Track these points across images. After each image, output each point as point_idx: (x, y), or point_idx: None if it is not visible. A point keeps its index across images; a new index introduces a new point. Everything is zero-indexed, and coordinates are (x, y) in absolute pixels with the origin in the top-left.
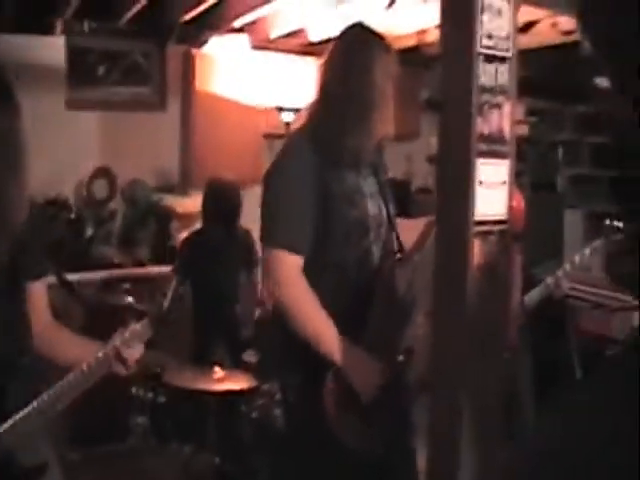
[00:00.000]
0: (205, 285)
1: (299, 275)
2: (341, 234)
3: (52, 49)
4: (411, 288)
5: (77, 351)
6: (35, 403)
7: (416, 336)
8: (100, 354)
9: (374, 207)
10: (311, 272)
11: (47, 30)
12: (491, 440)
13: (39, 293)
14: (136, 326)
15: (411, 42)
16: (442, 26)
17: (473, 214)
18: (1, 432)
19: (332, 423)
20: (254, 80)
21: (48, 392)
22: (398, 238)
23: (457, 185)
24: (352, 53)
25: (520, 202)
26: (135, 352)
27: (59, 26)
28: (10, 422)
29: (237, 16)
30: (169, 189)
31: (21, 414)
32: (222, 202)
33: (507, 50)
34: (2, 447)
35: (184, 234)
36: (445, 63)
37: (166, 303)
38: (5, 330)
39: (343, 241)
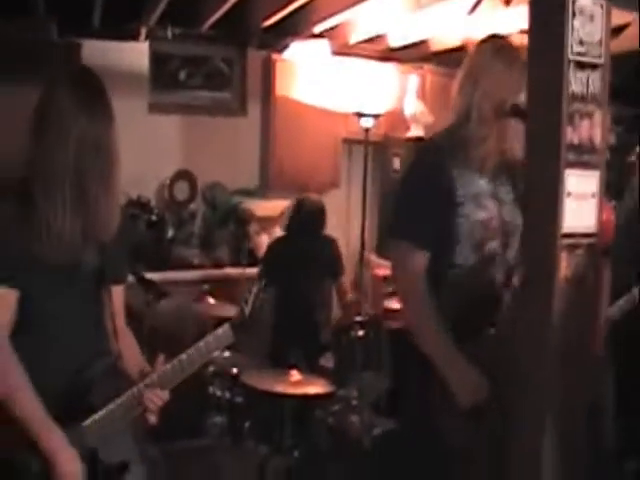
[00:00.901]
0: (288, 291)
1: (420, 272)
2: (465, 235)
3: (136, 54)
4: None
5: (134, 364)
6: (118, 401)
7: None
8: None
9: (507, 214)
10: (435, 272)
11: (132, 36)
12: (574, 449)
13: (119, 297)
14: (218, 331)
15: None
16: (531, 31)
17: (561, 226)
18: (85, 427)
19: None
20: (334, 85)
21: (131, 391)
22: None
23: (545, 196)
24: (483, 64)
25: (610, 215)
26: (157, 399)
27: (143, 32)
28: (95, 417)
29: (317, 22)
30: (248, 192)
31: (105, 410)
32: (309, 223)
33: (599, 57)
34: (86, 442)
35: (263, 237)
36: (533, 70)
37: (248, 309)
38: (96, 329)
39: (466, 242)
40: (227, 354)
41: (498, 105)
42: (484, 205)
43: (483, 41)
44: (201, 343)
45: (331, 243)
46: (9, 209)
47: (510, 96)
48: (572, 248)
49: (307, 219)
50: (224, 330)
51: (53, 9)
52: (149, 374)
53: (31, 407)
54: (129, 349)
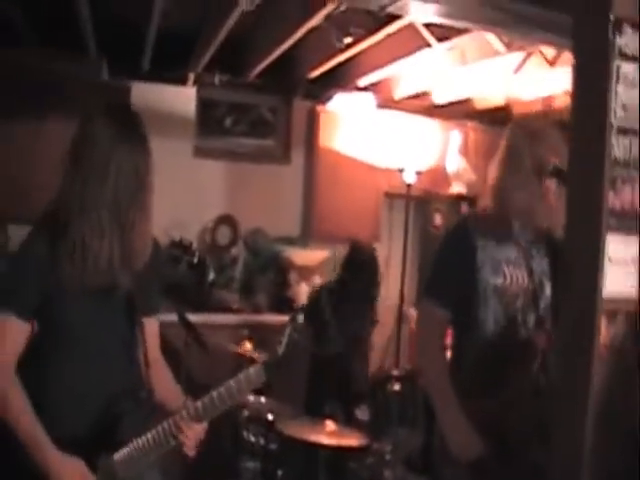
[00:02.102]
0: (327, 337)
1: (437, 328)
2: (483, 298)
3: (184, 99)
4: None
5: (169, 396)
6: (149, 435)
7: None
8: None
9: (530, 281)
10: (456, 333)
11: (180, 81)
12: None
13: (152, 328)
14: (250, 370)
15: (537, 108)
16: (574, 95)
17: (602, 291)
18: (116, 459)
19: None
20: (377, 139)
21: (161, 425)
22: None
23: (585, 261)
24: (515, 145)
25: None
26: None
27: (191, 78)
28: (125, 451)
29: (363, 75)
30: (289, 241)
31: (136, 443)
32: (363, 267)
33: None
34: (117, 475)
35: (302, 286)
36: (576, 133)
37: (281, 349)
38: (127, 358)
39: (485, 305)
40: (263, 400)
41: (526, 174)
42: (502, 271)
43: (512, 122)
44: (232, 382)
45: (376, 297)
46: (41, 239)
47: (535, 164)
48: (612, 314)
49: (363, 264)
50: (255, 370)
51: (104, 49)
52: (179, 410)
53: (31, 431)
54: (164, 380)
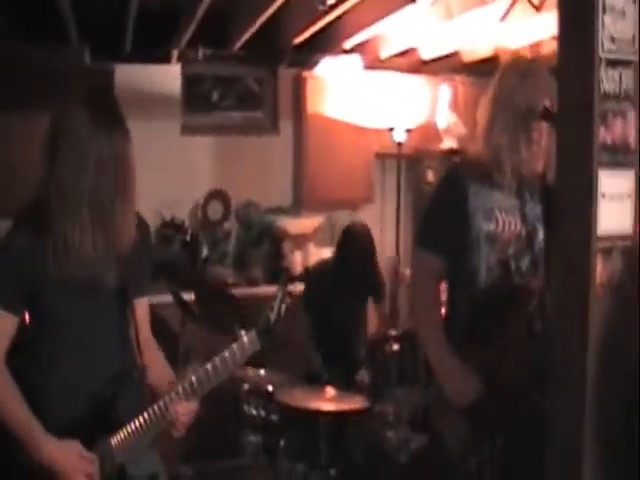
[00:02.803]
0: (325, 309)
1: (431, 276)
2: (477, 245)
3: (168, 77)
4: None
5: (160, 376)
6: (144, 416)
7: None
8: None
9: (523, 226)
10: (449, 280)
11: (163, 59)
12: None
13: (142, 309)
14: (243, 339)
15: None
16: (560, 30)
17: (596, 229)
18: (113, 442)
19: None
20: (365, 100)
21: (155, 405)
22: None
23: (578, 198)
24: (507, 87)
25: None
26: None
27: (175, 55)
28: (121, 434)
29: (348, 37)
30: (281, 210)
31: (131, 425)
32: (358, 251)
33: (632, 54)
34: (114, 458)
35: (297, 254)
36: (564, 70)
37: (273, 316)
38: (120, 343)
39: (478, 251)
40: (262, 372)
41: (516, 116)
42: (494, 218)
43: (503, 64)
44: (226, 353)
45: (376, 269)
46: (23, 232)
47: (526, 105)
48: (608, 252)
49: (356, 249)
50: (249, 338)
51: (85, 35)
52: (174, 386)
53: (21, 419)
54: (155, 361)
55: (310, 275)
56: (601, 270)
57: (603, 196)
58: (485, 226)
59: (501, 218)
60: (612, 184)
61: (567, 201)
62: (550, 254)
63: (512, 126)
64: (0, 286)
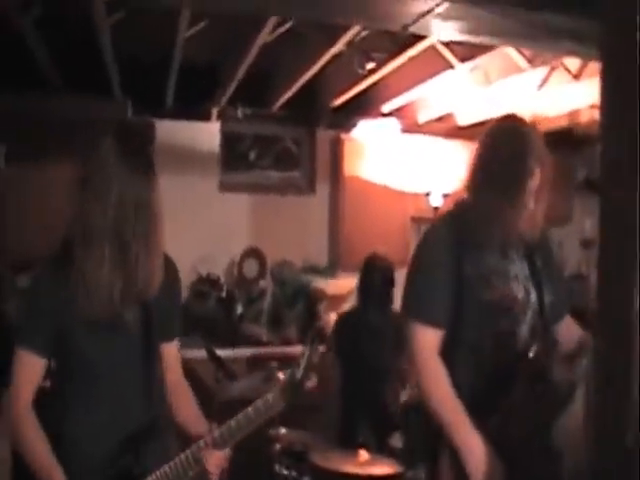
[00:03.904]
0: (357, 365)
1: (434, 349)
2: (474, 315)
3: (208, 134)
4: (570, 379)
5: (190, 419)
6: (171, 464)
7: (570, 429)
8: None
9: (519, 291)
10: (448, 351)
11: (203, 116)
12: None
13: (172, 352)
14: (267, 396)
15: (562, 123)
16: (602, 100)
17: (638, 300)
18: None
19: None
20: (402, 164)
21: (183, 454)
22: (551, 324)
23: (621, 263)
24: (499, 145)
25: None
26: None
27: (214, 113)
28: (150, 478)
29: (386, 100)
30: (317, 271)
31: (157, 475)
32: (379, 276)
33: None
34: None
35: (332, 316)
36: (606, 140)
37: (299, 372)
38: (146, 387)
39: (477, 322)
40: (296, 432)
41: (521, 181)
42: (493, 285)
43: (498, 122)
44: (250, 409)
45: (399, 316)
46: (49, 272)
47: (523, 173)
48: None
49: (377, 280)
50: (274, 395)
51: (128, 89)
52: (201, 438)
53: (45, 462)
54: (185, 404)
55: (336, 323)
56: None
57: None
58: (483, 294)
59: (498, 283)
60: None
61: (611, 266)
62: (549, 317)
63: (504, 186)
64: (28, 328)
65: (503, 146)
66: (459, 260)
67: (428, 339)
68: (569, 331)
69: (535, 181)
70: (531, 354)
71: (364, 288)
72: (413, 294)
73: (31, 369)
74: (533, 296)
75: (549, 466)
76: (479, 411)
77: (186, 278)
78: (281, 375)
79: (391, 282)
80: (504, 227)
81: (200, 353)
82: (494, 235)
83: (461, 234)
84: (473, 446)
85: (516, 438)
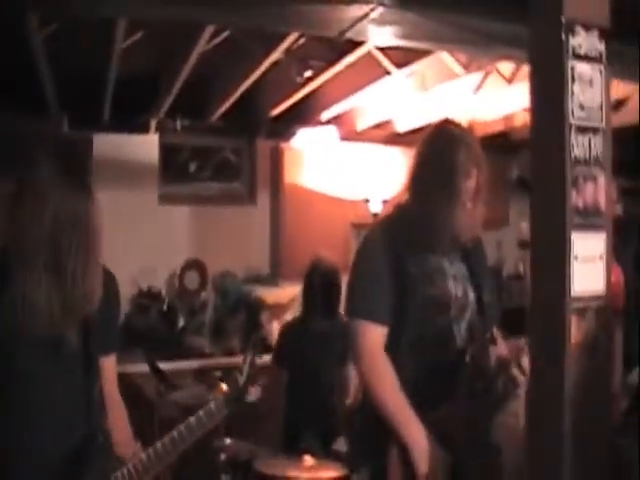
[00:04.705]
0: (302, 373)
1: (380, 349)
2: (417, 311)
3: (146, 147)
4: (503, 377)
5: (121, 437)
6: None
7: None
8: None
9: (458, 289)
10: (391, 348)
11: (142, 129)
12: None
13: (109, 366)
14: (210, 405)
15: (498, 127)
16: (532, 98)
17: (570, 290)
18: None
19: None
20: (342, 171)
21: (120, 472)
22: (488, 324)
23: (552, 260)
24: (436, 148)
25: (619, 276)
26: None
27: (153, 125)
28: None
29: (325, 108)
30: (259, 280)
31: None
32: (322, 279)
33: (600, 120)
34: None
35: (274, 324)
36: (537, 137)
37: (242, 379)
38: (84, 405)
39: (419, 318)
40: (241, 442)
41: (457, 186)
42: (434, 282)
43: (435, 126)
44: (192, 419)
45: (345, 323)
46: None
47: (460, 176)
48: (582, 311)
49: (322, 285)
50: (216, 403)
51: (64, 103)
52: (138, 453)
53: None
54: (117, 421)
55: (281, 330)
56: (576, 330)
57: (576, 258)
58: (425, 291)
59: (439, 281)
60: (585, 246)
61: (542, 263)
62: (486, 316)
63: (442, 187)
64: None
65: (439, 149)
66: (399, 260)
67: (372, 335)
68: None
69: (472, 183)
70: (470, 352)
71: (307, 293)
72: (354, 294)
73: None
74: (472, 295)
75: (488, 461)
76: (421, 407)
77: (127, 292)
78: (223, 385)
79: (335, 285)
80: (442, 228)
81: (142, 367)
82: (433, 236)
83: (400, 236)
84: (418, 438)
85: (456, 434)
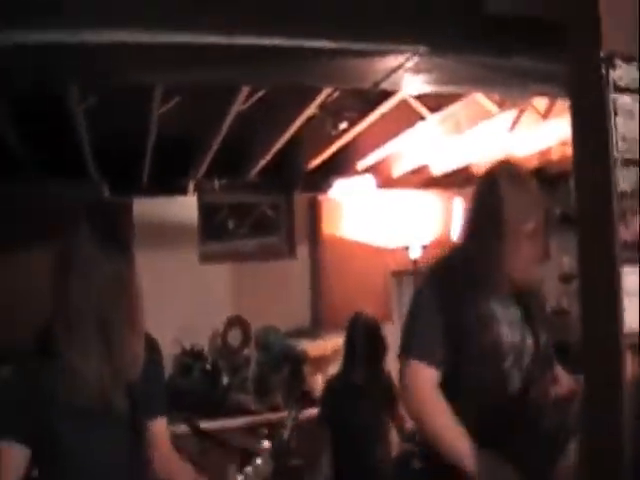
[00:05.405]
0: (346, 426)
1: (434, 388)
2: (473, 359)
3: (185, 207)
4: (566, 421)
5: None
6: None
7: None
8: None
9: (514, 335)
10: (448, 396)
11: (180, 191)
12: None
13: (160, 430)
14: (256, 461)
15: (534, 162)
16: (574, 135)
17: (622, 326)
18: None
19: None
20: (380, 220)
21: None
22: (549, 369)
23: (603, 297)
24: (496, 189)
25: None
26: None
27: (191, 186)
28: None
29: (360, 158)
30: (300, 333)
31: None
32: (362, 335)
33: None
34: None
35: (318, 377)
36: (580, 172)
37: (286, 433)
38: (134, 471)
39: (476, 366)
40: None
41: (513, 228)
42: (491, 329)
43: (492, 167)
44: (239, 477)
45: (386, 375)
46: (31, 362)
47: (519, 218)
48: (635, 347)
49: (361, 341)
50: (262, 459)
51: (105, 170)
52: None
53: None
54: (182, 473)
55: (326, 386)
56: (631, 367)
57: (627, 293)
58: (481, 338)
59: (495, 328)
60: (634, 280)
61: (594, 301)
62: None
63: (498, 230)
64: (9, 417)
65: (499, 190)
66: (456, 304)
67: (426, 375)
68: (560, 375)
69: (531, 225)
70: (529, 397)
71: (348, 348)
72: (408, 334)
73: (14, 460)
74: (529, 341)
75: None
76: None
77: (170, 351)
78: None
79: (376, 340)
80: (498, 272)
81: (185, 429)
82: (490, 280)
83: (455, 279)
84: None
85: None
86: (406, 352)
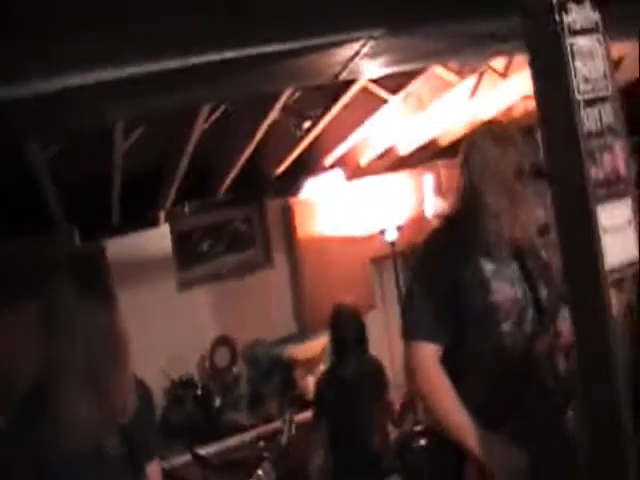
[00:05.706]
0: (342, 420)
1: (436, 365)
2: (480, 321)
3: (158, 238)
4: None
5: None
6: None
7: None
8: None
9: (516, 291)
10: (457, 361)
11: (152, 223)
12: None
13: (154, 470)
14: (259, 472)
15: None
16: (535, 85)
17: (604, 264)
18: None
19: None
20: (353, 210)
21: None
22: (551, 321)
23: (582, 239)
24: (489, 149)
25: None
26: None
27: (162, 216)
28: None
29: (327, 153)
30: (288, 340)
31: None
32: (346, 326)
33: (606, 89)
34: None
35: (309, 379)
36: (546, 121)
37: (284, 438)
38: None
39: (482, 327)
40: None
41: (507, 187)
42: (492, 289)
43: (474, 129)
44: None
45: (374, 360)
46: (19, 416)
47: (505, 172)
48: (619, 282)
49: (347, 330)
50: (264, 469)
51: (73, 216)
52: None
53: None
54: None
55: (316, 383)
56: (616, 303)
57: (605, 230)
58: (485, 299)
59: (496, 286)
60: (612, 216)
61: (571, 243)
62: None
63: (498, 192)
64: (6, 465)
65: (486, 152)
66: (455, 269)
67: (427, 353)
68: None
69: (524, 182)
70: (536, 353)
71: (334, 341)
72: (408, 315)
73: None
74: (530, 295)
75: (569, 454)
76: (495, 415)
77: (159, 385)
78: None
79: (360, 329)
80: (500, 231)
81: (185, 458)
82: (490, 239)
83: (452, 246)
84: (488, 447)
85: (536, 437)
86: (408, 335)
